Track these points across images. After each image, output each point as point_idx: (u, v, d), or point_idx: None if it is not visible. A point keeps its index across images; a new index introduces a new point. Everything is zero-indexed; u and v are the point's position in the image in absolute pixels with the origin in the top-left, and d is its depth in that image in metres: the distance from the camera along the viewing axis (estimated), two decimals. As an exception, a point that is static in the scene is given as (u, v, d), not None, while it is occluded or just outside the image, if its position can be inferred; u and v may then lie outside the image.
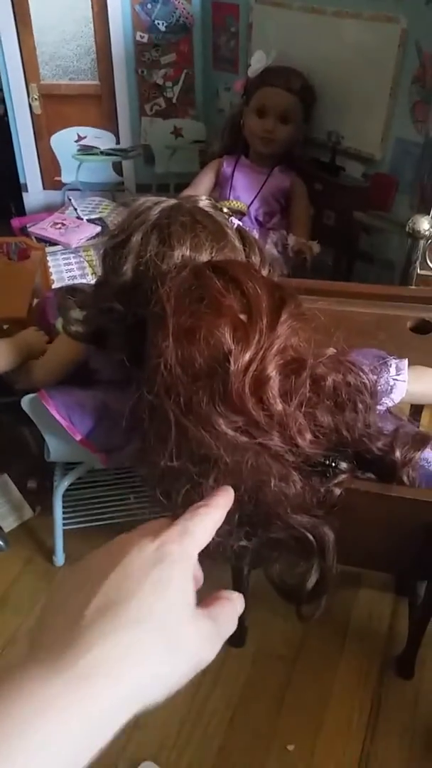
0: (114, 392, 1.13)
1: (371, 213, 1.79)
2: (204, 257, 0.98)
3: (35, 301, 1.43)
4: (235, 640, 1.23)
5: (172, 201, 1.04)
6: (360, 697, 1.16)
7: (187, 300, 0.86)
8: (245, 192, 1.78)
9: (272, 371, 0.84)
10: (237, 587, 1.19)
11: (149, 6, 2.01)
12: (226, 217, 1.06)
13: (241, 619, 1.24)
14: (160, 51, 2.08)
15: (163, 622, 0.35)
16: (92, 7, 2.00)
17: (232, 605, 0.42)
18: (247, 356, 0.82)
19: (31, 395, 1.15)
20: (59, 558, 1.37)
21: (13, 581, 1.35)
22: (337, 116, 1.78)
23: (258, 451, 0.87)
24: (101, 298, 1.00)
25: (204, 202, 1.06)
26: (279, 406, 0.84)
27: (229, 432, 0.85)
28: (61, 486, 1.29)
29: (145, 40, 2.06)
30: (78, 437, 1.12)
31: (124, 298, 0.98)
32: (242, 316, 0.85)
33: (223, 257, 1.00)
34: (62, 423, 1.12)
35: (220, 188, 1.84)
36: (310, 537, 0.93)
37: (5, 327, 1.34)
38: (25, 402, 1.16)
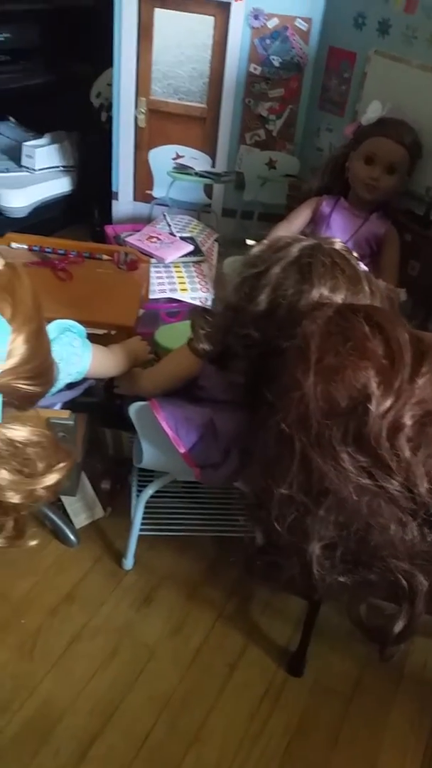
0: (221, 412, 1.17)
1: (458, 270, 1.84)
2: (339, 299, 1.03)
3: (141, 311, 1.48)
4: (294, 670, 1.26)
5: (312, 241, 1.08)
6: (413, 744, 1.19)
7: (332, 339, 0.90)
8: (340, 233, 1.83)
9: (408, 420, 0.87)
10: (310, 619, 1.22)
11: (268, 41, 2.08)
12: (358, 262, 1.11)
13: (303, 651, 1.27)
14: (270, 84, 2.15)
15: None
16: (214, 35, 2.08)
17: None
18: (388, 402, 0.86)
19: (141, 403, 1.19)
20: (129, 562, 1.41)
21: (81, 578, 1.38)
22: (438, 173, 1.83)
23: (377, 493, 0.90)
24: (237, 323, 1.05)
25: (339, 245, 1.10)
26: (407, 453, 0.88)
27: (352, 470, 0.89)
28: (146, 493, 1.32)
29: (257, 72, 2.12)
30: (182, 450, 1.16)
31: (260, 326, 1.03)
32: (384, 362, 0.89)
33: (356, 301, 1.04)
34: (169, 434, 1.16)
35: (314, 225, 1.89)
36: (404, 583, 0.96)
37: (113, 333, 1.39)
38: (134, 408, 1.20)
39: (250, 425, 1.11)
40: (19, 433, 0.82)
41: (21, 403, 0.84)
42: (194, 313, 1.13)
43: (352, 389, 0.86)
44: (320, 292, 1.01)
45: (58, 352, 1.10)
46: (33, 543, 0.95)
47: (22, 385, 0.82)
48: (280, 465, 0.94)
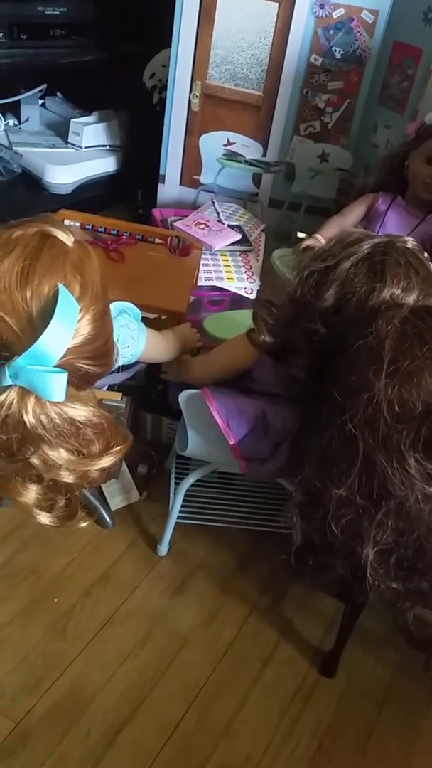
0: (273, 405, 1.15)
1: None
2: (410, 300, 1.00)
3: (192, 298, 1.46)
4: (327, 670, 1.24)
5: (384, 237, 1.05)
6: (445, 758, 1.17)
7: (409, 341, 0.88)
8: (395, 231, 1.79)
9: None
10: (349, 622, 1.20)
11: (331, 32, 2.04)
12: (430, 262, 1.08)
13: (338, 652, 1.25)
14: (330, 76, 2.11)
15: None
16: (276, 22, 2.04)
17: None
18: (465, 411, 0.84)
19: (192, 391, 1.17)
20: (164, 548, 1.40)
21: (116, 560, 1.38)
22: None
23: (441, 502, 0.88)
24: (304, 317, 1.02)
25: (412, 244, 1.07)
26: None
27: (417, 477, 0.87)
28: (186, 482, 1.31)
29: (318, 63, 2.09)
30: (232, 441, 1.14)
31: (327, 322, 1.00)
32: (461, 368, 0.86)
33: (428, 303, 1.01)
34: (220, 424, 1.14)
35: (368, 222, 1.86)
36: (456, 595, 0.94)
37: (163, 318, 1.37)
38: (184, 396, 1.18)
39: (306, 422, 1.08)
40: (81, 412, 0.80)
41: (80, 383, 0.83)
42: (258, 303, 1.11)
43: (428, 394, 0.84)
44: (392, 291, 0.98)
45: (114, 333, 1.09)
46: (83, 524, 0.94)
47: (84, 365, 0.81)
48: (340, 465, 0.92)
